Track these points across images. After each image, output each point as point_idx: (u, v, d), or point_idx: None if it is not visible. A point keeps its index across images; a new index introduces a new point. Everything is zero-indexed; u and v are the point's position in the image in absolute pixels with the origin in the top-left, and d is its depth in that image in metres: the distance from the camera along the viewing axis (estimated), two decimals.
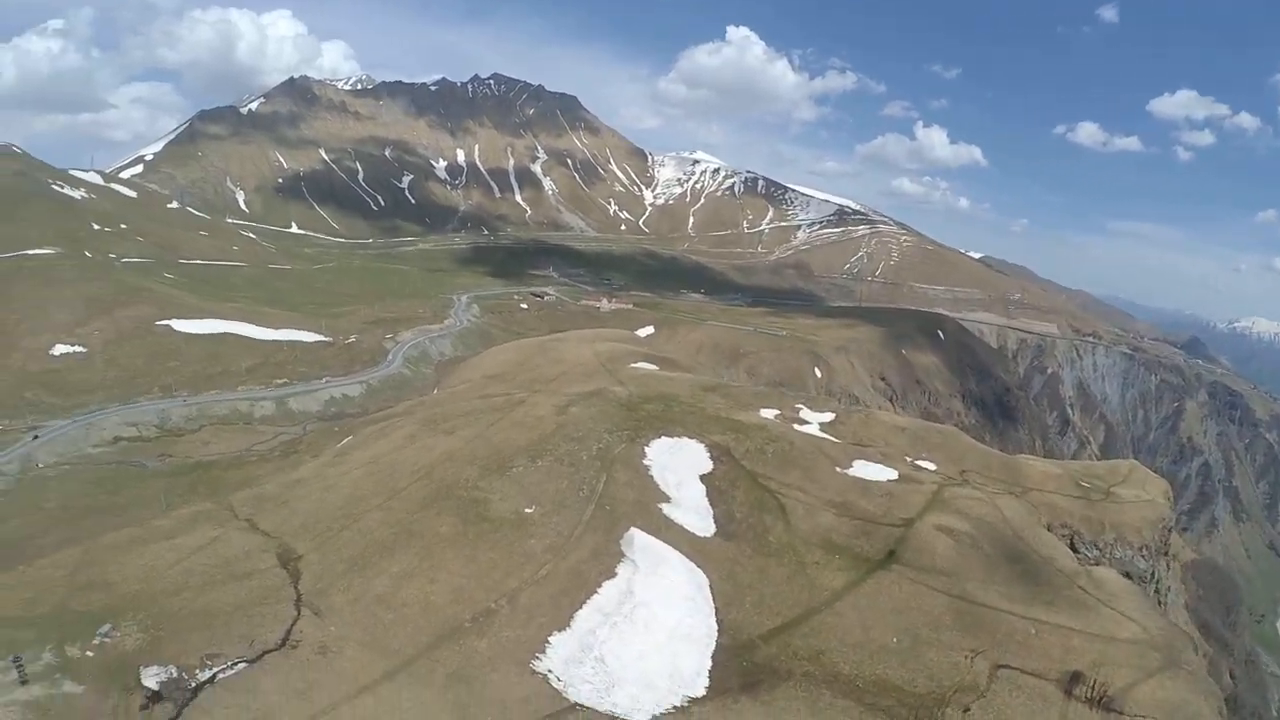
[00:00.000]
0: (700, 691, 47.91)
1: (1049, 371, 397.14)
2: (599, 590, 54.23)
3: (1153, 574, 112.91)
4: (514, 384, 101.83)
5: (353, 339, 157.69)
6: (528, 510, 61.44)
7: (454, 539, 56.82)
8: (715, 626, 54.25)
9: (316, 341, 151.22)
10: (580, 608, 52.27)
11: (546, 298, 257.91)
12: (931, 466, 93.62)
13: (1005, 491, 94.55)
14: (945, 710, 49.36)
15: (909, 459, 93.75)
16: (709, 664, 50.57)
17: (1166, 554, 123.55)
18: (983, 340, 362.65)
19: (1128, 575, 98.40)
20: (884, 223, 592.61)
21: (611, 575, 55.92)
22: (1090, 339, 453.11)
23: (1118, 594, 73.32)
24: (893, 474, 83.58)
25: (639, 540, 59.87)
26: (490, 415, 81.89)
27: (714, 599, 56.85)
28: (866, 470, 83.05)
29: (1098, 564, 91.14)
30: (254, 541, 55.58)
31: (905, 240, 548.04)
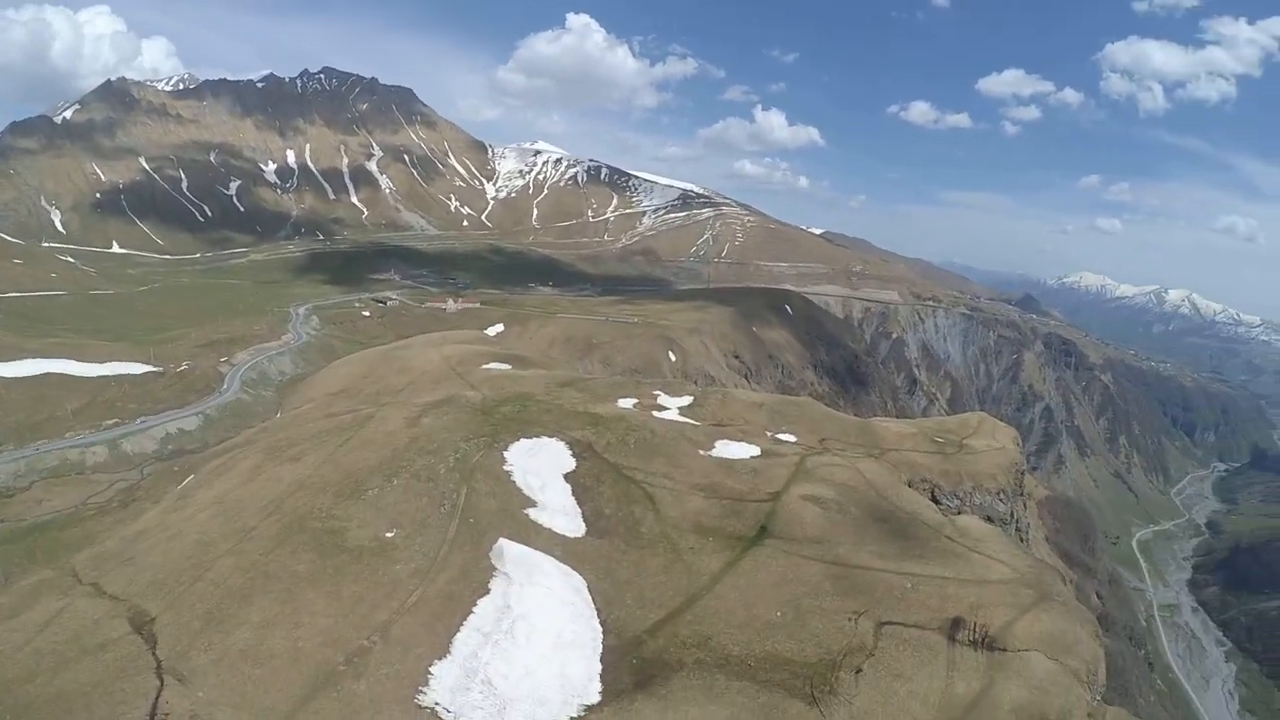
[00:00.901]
0: (594, 698, 47.59)
1: (894, 336, 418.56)
2: (474, 609, 52.92)
3: (1012, 515, 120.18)
4: (361, 399, 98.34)
5: (185, 366, 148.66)
6: (389, 534, 59.44)
7: (314, 576, 54.41)
8: (599, 628, 53.95)
9: (146, 372, 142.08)
10: (458, 631, 50.86)
11: (390, 303, 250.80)
12: (792, 439, 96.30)
13: (865, 455, 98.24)
14: (838, 675, 50.89)
15: (769, 434, 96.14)
16: (599, 668, 50.20)
17: (1022, 495, 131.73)
18: (829, 312, 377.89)
19: (989, 519, 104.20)
20: (727, 204, 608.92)
21: (485, 592, 54.71)
22: (930, 303, 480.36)
23: (983, 538, 77.44)
24: (755, 450, 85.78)
25: (509, 551, 58.85)
26: (338, 435, 78.96)
27: (594, 600, 56.62)
28: (729, 450, 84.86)
29: (960, 513, 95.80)
30: (102, 608, 51.92)
31: (749, 220, 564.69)
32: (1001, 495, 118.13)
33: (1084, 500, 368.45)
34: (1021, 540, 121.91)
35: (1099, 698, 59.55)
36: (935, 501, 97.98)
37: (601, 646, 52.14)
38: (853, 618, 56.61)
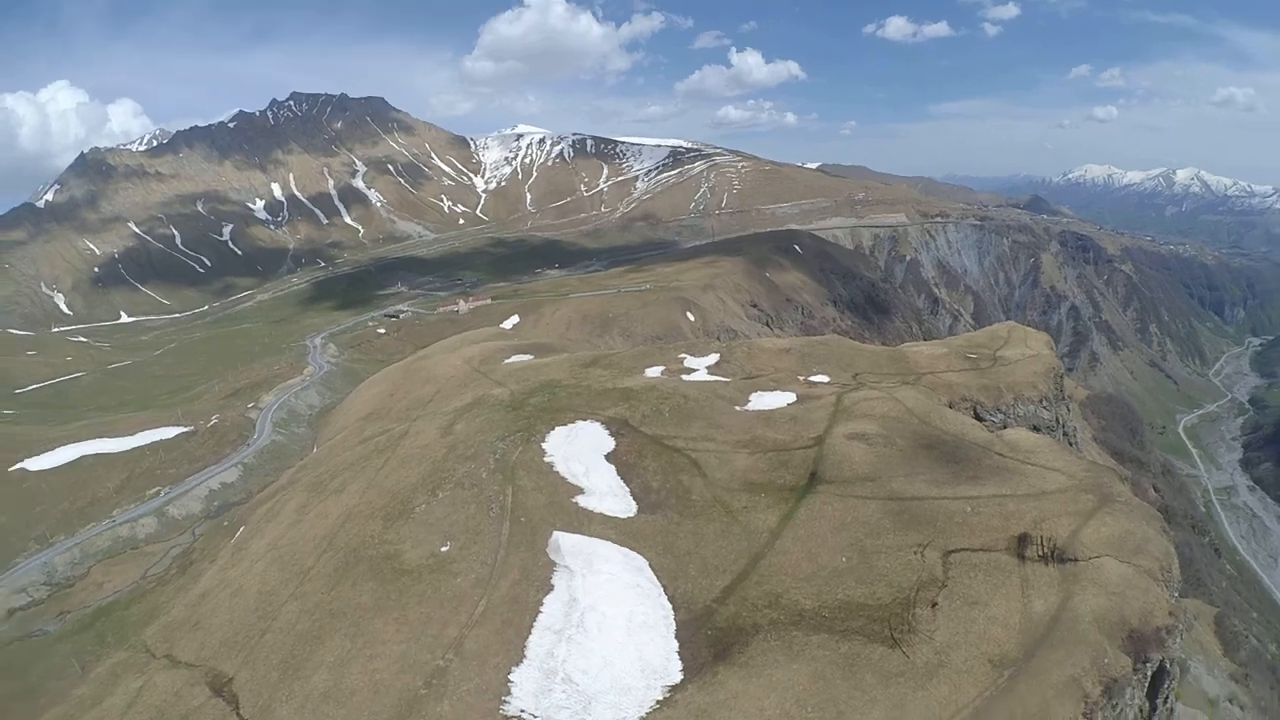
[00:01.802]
0: (676, 677, 47.76)
1: (907, 259, 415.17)
2: (542, 609, 53.12)
3: (1058, 420, 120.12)
4: (391, 417, 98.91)
5: (215, 420, 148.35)
6: (444, 549, 59.74)
7: (379, 605, 54.94)
8: (668, 605, 54.14)
9: (178, 435, 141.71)
10: (529, 633, 51.04)
11: (402, 315, 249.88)
12: (825, 379, 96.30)
13: (901, 384, 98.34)
14: (914, 612, 51.10)
15: (801, 378, 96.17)
16: (675, 645, 50.42)
17: (1064, 398, 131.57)
18: (839, 245, 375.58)
19: (1036, 429, 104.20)
20: (719, 154, 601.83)
21: (549, 588, 54.91)
22: (939, 219, 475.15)
23: (1034, 449, 77.26)
24: (790, 397, 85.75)
25: (565, 543, 59.22)
26: (376, 459, 79.57)
27: (658, 578, 56.81)
28: (765, 401, 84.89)
29: (1005, 426, 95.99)
30: (180, 678, 53.28)
31: (743, 166, 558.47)
32: (1044, 402, 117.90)
33: (1124, 394, 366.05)
34: (1070, 444, 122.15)
35: (1176, 594, 59.59)
36: (978, 419, 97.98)
37: (674, 623, 52.38)
38: (918, 551, 56.67)
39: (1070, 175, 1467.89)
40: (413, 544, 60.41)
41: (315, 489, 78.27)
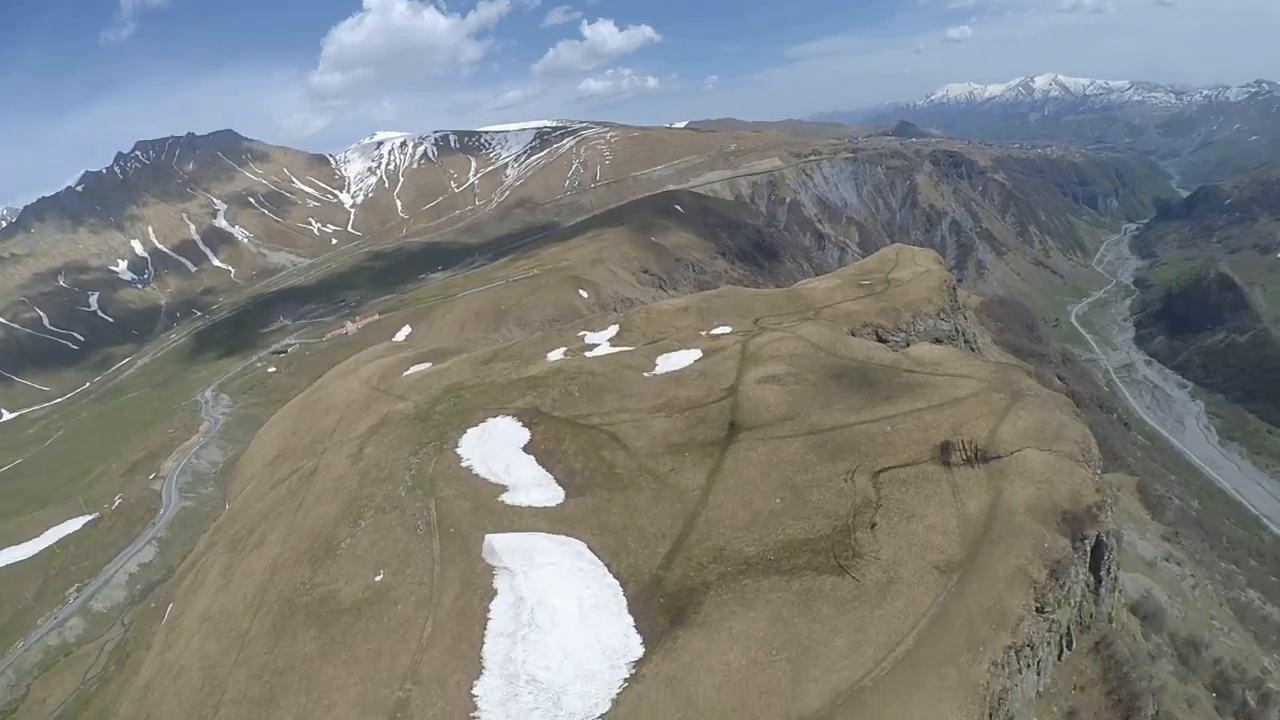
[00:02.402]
0: (638, 651, 47.57)
1: (788, 200, 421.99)
2: (490, 615, 52.08)
3: (957, 330, 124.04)
4: (298, 456, 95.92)
5: (119, 500, 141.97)
6: (378, 579, 58.01)
7: (324, 651, 53.02)
8: (615, 583, 53.86)
9: (86, 524, 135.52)
10: (483, 643, 50.04)
11: (290, 349, 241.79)
12: (727, 329, 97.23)
13: (801, 321, 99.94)
14: (855, 536, 52.16)
15: (704, 333, 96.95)
16: (630, 621, 50.22)
17: (959, 308, 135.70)
18: (719, 198, 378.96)
19: (938, 341, 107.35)
20: (585, 128, 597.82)
21: (493, 594, 53.90)
22: (812, 158, 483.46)
23: (940, 360, 79.67)
24: (697, 353, 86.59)
25: (499, 544, 58.09)
26: (290, 502, 76.81)
27: (599, 558, 56.41)
28: (671, 362, 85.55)
29: (909, 344, 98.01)
30: None
31: (611, 136, 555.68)
32: (941, 315, 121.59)
33: (1016, 295, 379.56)
34: (973, 350, 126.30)
35: (1099, 471, 62.13)
36: (882, 341, 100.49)
37: (625, 599, 52.13)
38: (848, 477, 57.77)
39: (933, 97, 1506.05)
40: (345, 581, 58.53)
41: (235, 547, 75.09)
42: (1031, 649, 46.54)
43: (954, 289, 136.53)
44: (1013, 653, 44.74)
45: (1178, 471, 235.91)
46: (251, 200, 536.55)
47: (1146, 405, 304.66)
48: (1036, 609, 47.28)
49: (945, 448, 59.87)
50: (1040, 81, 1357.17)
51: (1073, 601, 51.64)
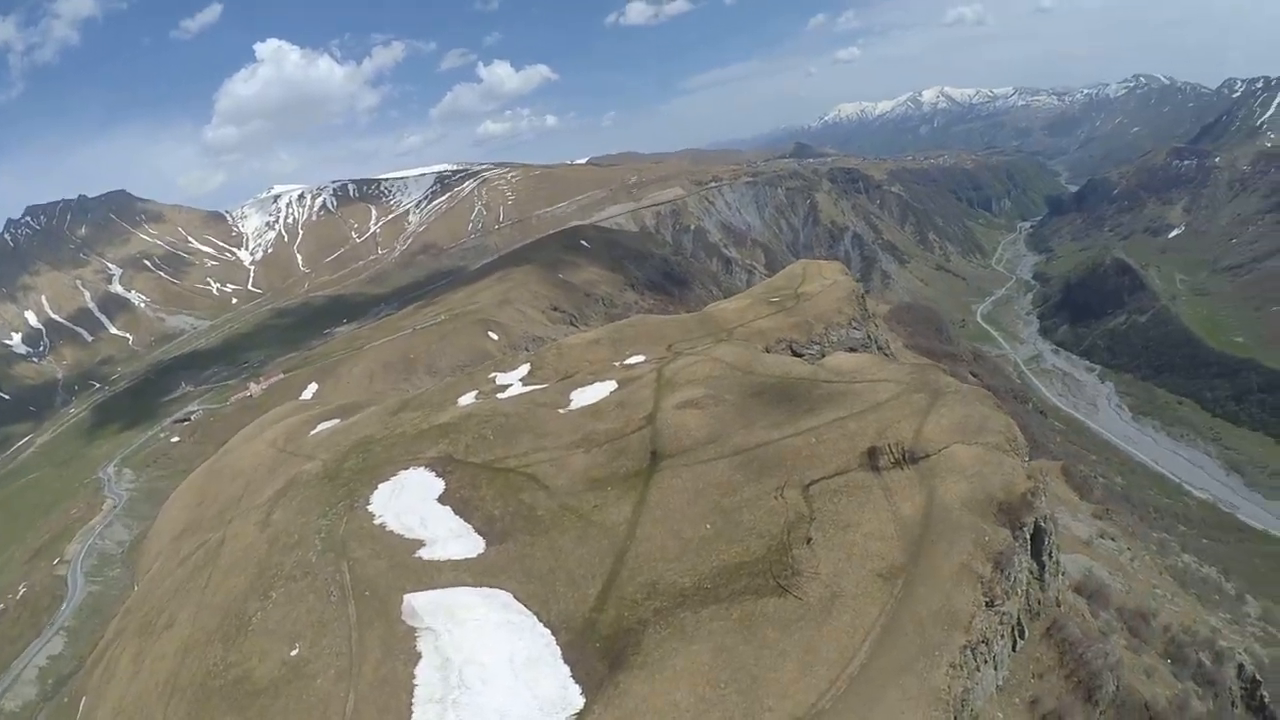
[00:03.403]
0: (578, 702, 45.19)
1: (692, 228, 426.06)
2: (416, 681, 48.89)
3: (869, 337, 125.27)
4: (205, 528, 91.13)
5: (23, 590, 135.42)
6: (294, 653, 54.32)
7: None
8: (547, 632, 51.29)
9: None
10: (411, 713, 46.84)
11: (194, 416, 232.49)
12: (641, 358, 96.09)
13: (715, 342, 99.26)
14: (792, 553, 50.55)
15: (617, 364, 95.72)
16: (567, 670, 47.80)
17: (869, 316, 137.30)
18: (624, 230, 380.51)
19: (852, 350, 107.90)
20: (486, 169, 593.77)
21: (417, 657, 50.72)
22: (713, 184, 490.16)
23: (857, 368, 79.53)
24: (611, 385, 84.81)
25: (419, 604, 55.03)
26: (199, 578, 72.22)
27: (528, 607, 53.74)
28: (586, 396, 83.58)
29: (824, 355, 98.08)
30: None
31: (513, 176, 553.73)
32: (853, 324, 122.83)
33: (922, 301, 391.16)
34: (887, 355, 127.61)
35: (1027, 458, 62.10)
36: (797, 355, 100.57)
37: (559, 647, 49.53)
38: (777, 494, 56.35)
39: (827, 118, 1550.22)
40: (259, 658, 54.81)
41: (145, 631, 70.39)
42: (987, 644, 45.74)
43: (863, 298, 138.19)
44: (969, 651, 43.92)
45: (1098, 451, 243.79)
46: (147, 263, 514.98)
47: (1059, 392, 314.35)
48: (986, 603, 46.54)
49: (873, 453, 59.07)
50: (928, 95, 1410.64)
51: (1020, 591, 51.04)
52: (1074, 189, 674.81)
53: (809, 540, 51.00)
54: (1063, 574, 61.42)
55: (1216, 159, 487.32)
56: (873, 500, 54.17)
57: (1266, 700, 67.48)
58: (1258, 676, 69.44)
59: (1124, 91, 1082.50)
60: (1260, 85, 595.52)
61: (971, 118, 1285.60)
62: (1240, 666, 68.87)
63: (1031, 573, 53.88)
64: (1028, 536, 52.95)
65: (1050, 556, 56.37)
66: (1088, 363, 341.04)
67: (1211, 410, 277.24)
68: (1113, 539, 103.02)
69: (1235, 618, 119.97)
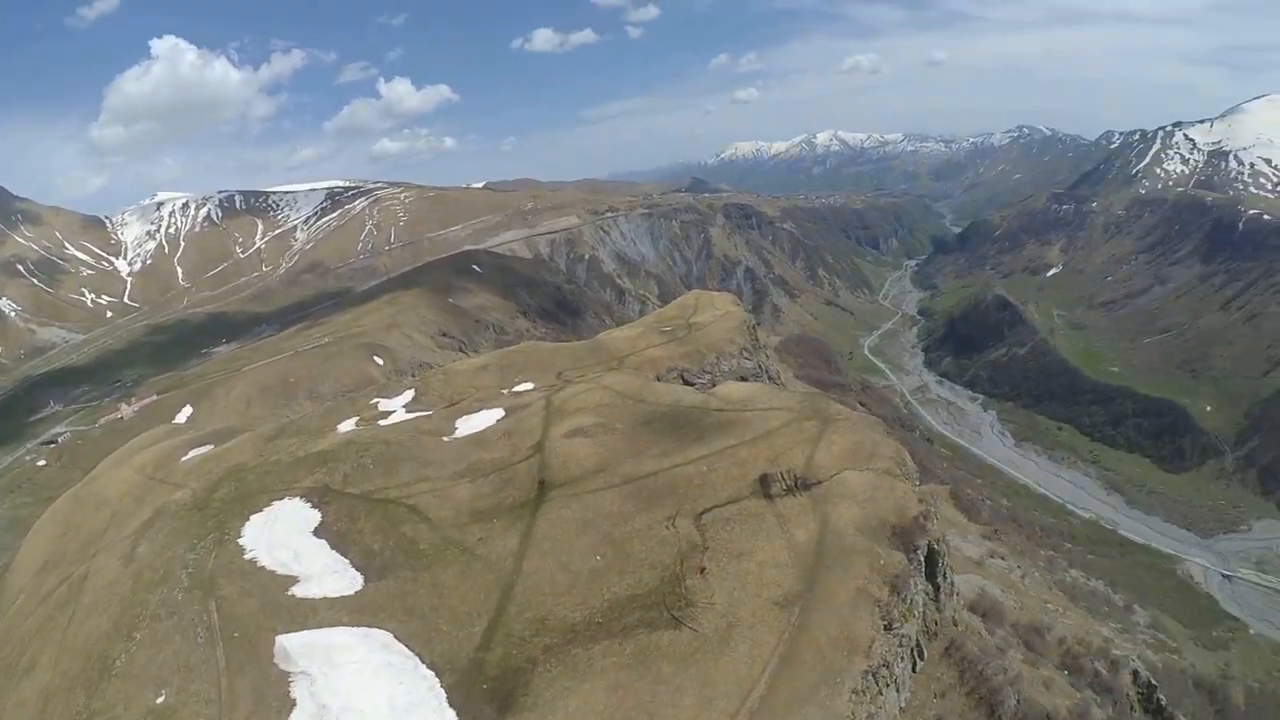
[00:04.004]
0: None
1: (587, 257, 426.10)
2: None
3: (760, 367, 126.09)
4: (68, 561, 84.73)
5: None
6: (159, 700, 50.05)
7: None
8: (430, 674, 48.27)
9: None
10: None
11: (61, 439, 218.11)
12: (529, 385, 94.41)
13: (605, 371, 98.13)
14: (686, 584, 49.32)
15: (505, 391, 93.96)
16: (453, 715, 45.11)
17: (760, 347, 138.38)
18: (518, 256, 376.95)
19: (744, 379, 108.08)
20: (380, 188, 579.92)
21: (291, 705, 47.24)
22: (609, 214, 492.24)
23: (749, 397, 79.41)
24: (499, 413, 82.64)
25: (293, 646, 51.35)
26: (60, 617, 66.83)
27: (410, 647, 50.59)
28: (472, 423, 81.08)
29: (715, 384, 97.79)
30: None
31: (406, 197, 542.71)
32: (744, 353, 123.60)
33: (811, 334, 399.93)
34: (778, 385, 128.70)
35: (918, 482, 62.41)
36: (688, 384, 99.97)
37: (443, 690, 46.72)
38: (669, 524, 55.06)
39: (723, 155, 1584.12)
40: (124, 706, 50.46)
41: (5, 674, 64.56)
42: (888, 668, 45.46)
43: (754, 329, 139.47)
44: (870, 676, 43.49)
45: (983, 475, 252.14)
46: (20, 268, 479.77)
47: (944, 420, 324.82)
48: (884, 627, 46.31)
49: (765, 480, 58.55)
50: (822, 138, 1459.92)
51: (917, 612, 51.07)
52: (958, 230, 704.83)
53: (703, 570, 49.73)
54: (957, 594, 61.91)
55: (1093, 204, 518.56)
56: (766, 528, 53.39)
57: (1164, 703, 69.39)
58: (1153, 681, 71.69)
59: (1008, 140, 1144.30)
60: (1137, 137, 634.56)
61: (863, 161, 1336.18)
62: (1135, 673, 70.93)
63: (927, 594, 54.00)
64: (922, 559, 53.13)
65: (944, 577, 56.65)
66: (971, 392, 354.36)
67: (1090, 435, 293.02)
68: (1003, 558, 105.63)
69: (1125, 627, 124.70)
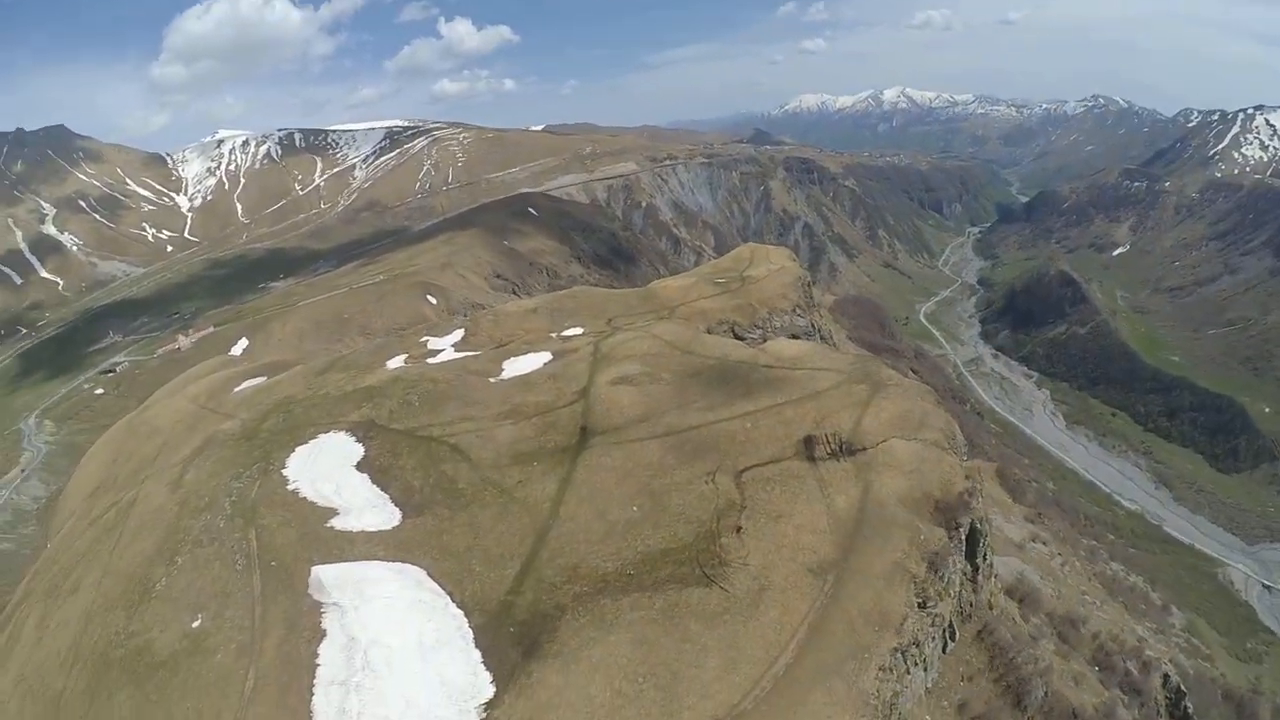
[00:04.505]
0: (488, 691, 42.48)
1: (644, 204, 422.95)
2: (319, 661, 45.82)
3: (813, 325, 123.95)
4: (118, 486, 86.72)
5: None
6: (195, 624, 50.93)
7: (140, 714, 45.93)
8: (460, 613, 48.35)
9: None
10: (312, 695, 43.82)
11: (120, 368, 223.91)
12: (579, 330, 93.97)
13: (656, 320, 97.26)
14: (721, 543, 48.58)
15: (554, 335, 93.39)
16: (478, 656, 44.95)
17: (814, 305, 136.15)
18: (574, 201, 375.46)
19: (795, 337, 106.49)
20: (439, 128, 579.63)
21: (322, 635, 47.66)
22: (668, 162, 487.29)
23: (799, 355, 77.75)
24: (546, 356, 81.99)
25: (327, 577, 51.81)
26: (107, 540, 68.16)
27: (441, 586, 50.77)
28: (519, 365, 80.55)
29: (765, 340, 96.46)
30: None
31: (465, 137, 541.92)
32: (797, 311, 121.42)
33: (867, 295, 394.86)
34: (829, 346, 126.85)
35: (965, 457, 60.99)
36: (738, 339, 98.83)
37: (471, 631, 46.73)
38: (709, 480, 54.32)
39: (787, 107, 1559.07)
40: (161, 628, 51.50)
41: (51, 594, 66.08)
42: (918, 647, 44.70)
43: (809, 286, 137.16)
44: (899, 654, 42.68)
45: (1031, 455, 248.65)
46: (83, 204, 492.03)
47: (996, 395, 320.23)
48: (918, 604, 45.45)
49: (809, 442, 57.42)
50: (889, 94, 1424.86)
51: (953, 592, 50.07)
52: (1025, 199, 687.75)
53: (739, 529, 49.08)
54: (995, 576, 60.78)
55: (1166, 183, 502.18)
56: (807, 491, 52.54)
57: (1190, 712, 68.24)
58: (1183, 687, 70.26)
59: (1082, 110, 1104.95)
60: (1216, 117, 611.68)
61: (930, 120, 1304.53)
62: (1165, 677, 69.38)
63: (965, 574, 52.92)
64: (963, 537, 51.97)
65: (984, 559, 55.49)
66: (1025, 369, 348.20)
67: (1144, 424, 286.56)
68: (1044, 543, 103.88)
69: (1161, 627, 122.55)
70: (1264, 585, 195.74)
